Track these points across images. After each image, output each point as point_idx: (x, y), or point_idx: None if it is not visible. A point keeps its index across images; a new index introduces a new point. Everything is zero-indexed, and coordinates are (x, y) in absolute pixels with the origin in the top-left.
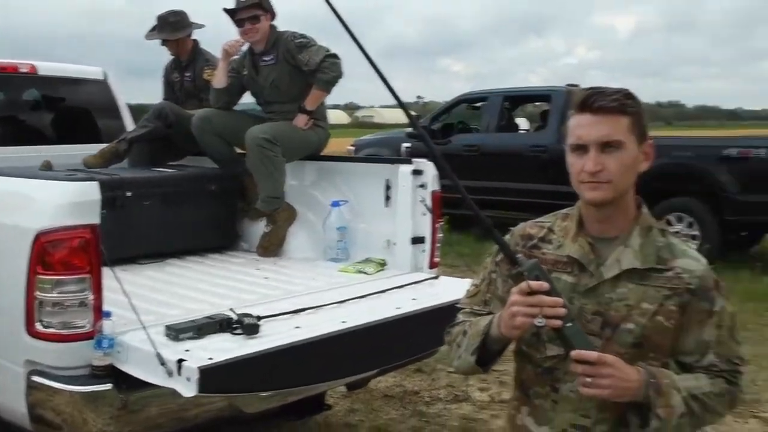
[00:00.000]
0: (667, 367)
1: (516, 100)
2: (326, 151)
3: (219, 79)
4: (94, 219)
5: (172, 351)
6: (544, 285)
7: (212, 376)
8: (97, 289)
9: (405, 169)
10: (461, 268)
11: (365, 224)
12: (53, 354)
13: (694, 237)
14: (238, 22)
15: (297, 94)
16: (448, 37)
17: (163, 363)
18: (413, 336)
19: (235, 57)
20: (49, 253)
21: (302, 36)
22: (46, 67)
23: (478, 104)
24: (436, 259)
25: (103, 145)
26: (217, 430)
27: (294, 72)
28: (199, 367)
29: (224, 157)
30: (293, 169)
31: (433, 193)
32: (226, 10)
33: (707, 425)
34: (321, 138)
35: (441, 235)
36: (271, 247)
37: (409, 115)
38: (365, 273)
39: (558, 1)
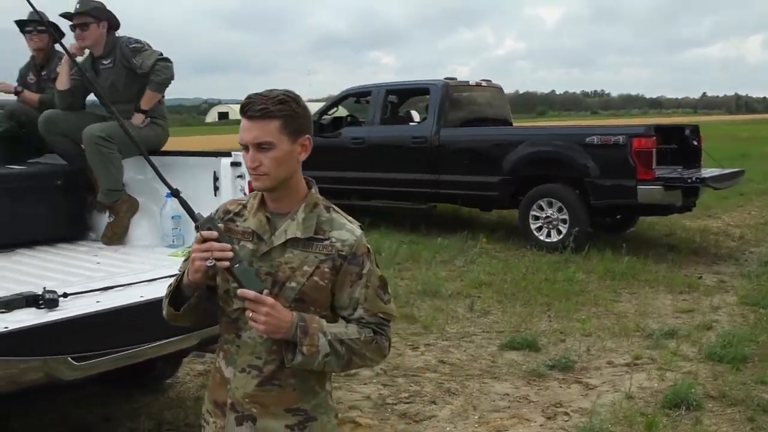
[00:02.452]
0: (325, 318)
1: (398, 93)
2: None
3: (62, 81)
4: None
5: None
6: (213, 234)
7: (4, 343)
8: None
9: (225, 161)
10: None
11: (198, 212)
12: None
13: (564, 221)
14: (72, 28)
15: (134, 95)
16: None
17: None
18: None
19: (79, 59)
20: None
21: (137, 41)
22: None
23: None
24: None
25: None
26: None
27: (130, 74)
28: None
29: (71, 155)
30: (136, 163)
31: (250, 183)
32: (62, 15)
33: (359, 366)
34: (159, 134)
35: None
36: (115, 236)
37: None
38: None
39: None
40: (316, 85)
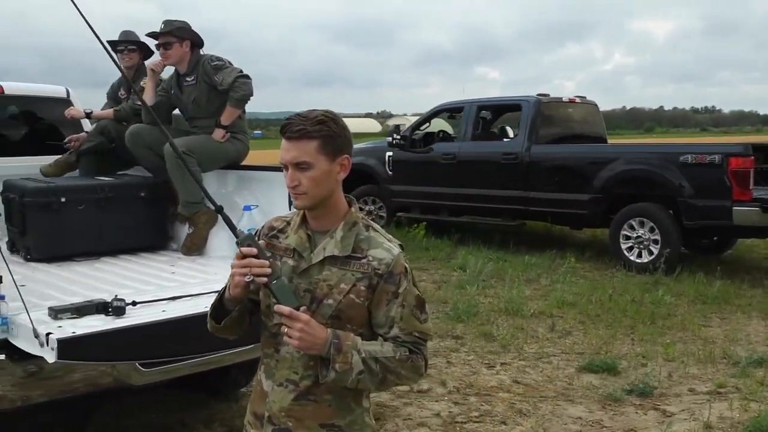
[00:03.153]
0: (362, 337)
1: (490, 109)
2: None
3: (148, 96)
4: None
5: (46, 327)
6: (252, 251)
7: (69, 346)
8: None
9: None
10: (430, 271)
11: (240, 229)
12: None
13: (656, 241)
14: (157, 47)
15: (215, 110)
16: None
17: (36, 336)
18: None
19: (164, 77)
20: None
21: (218, 59)
22: (13, 87)
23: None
24: None
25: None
26: None
27: (211, 91)
28: (58, 338)
29: (155, 167)
30: (217, 177)
31: None
32: (149, 35)
33: (395, 385)
34: (239, 149)
35: None
36: (193, 247)
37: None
38: None
39: (596, 8)
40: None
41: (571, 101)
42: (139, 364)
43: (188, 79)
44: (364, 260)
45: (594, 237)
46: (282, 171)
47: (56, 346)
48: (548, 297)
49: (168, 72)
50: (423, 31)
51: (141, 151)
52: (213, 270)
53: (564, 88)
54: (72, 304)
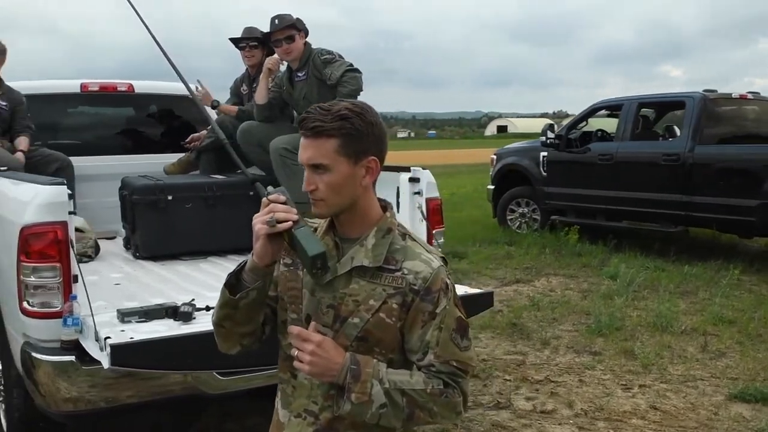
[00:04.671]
0: (391, 362)
1: (652, 107)
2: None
3: (260, 95)
4: (63, 217)
5: (109, 330)
6: (280, 197)
7: (122, 353)
8: (67, 276)
9: (404, 177)
10: (578, 279)
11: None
12: (35, 329)
13: None
14: (275, 43)
15: None
16: (667, 40)
17: (97, 339)
18: None
19: (278, 74)
20: (30, 244)
21: (328, 52)
22: (142, 86)
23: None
24: None
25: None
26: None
27: (322, 86)
28: (111, 344)
29: (266, 165)
30: None
31: (430, 200)
32: (265, 34)
33: (425, 423)
34: None
35: (441, 240)
36: None
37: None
38: None
39: None
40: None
41: (742, 98)
42: (216, 372)
43: (299, 74)
44: (398, 273)
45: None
46: (394, 171)
47: (109, 351)
48: (704, 312)
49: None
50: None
51: (251, 149)
52: None
53: (756, 86)
54: (142, 307)
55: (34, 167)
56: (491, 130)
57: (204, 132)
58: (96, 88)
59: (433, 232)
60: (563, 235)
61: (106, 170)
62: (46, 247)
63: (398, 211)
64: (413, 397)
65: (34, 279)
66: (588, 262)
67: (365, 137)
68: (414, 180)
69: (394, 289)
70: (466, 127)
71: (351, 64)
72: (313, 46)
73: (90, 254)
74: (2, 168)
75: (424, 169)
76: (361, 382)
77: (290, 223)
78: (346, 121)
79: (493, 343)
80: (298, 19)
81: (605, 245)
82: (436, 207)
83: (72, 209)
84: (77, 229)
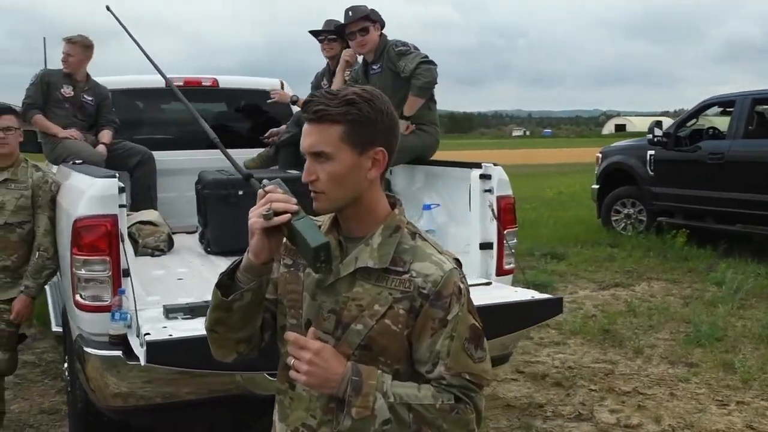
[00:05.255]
0: (398, 374)
1: (766, 103)
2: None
3: (336, 87)
4: (114, 210)
5: (151, 326)
6: (277, 189)
7: (159, 350)
8: (116, 269)
9: (475, 174)
10: (682, 284)
11: (455, 227)
12: (86, 322)
13: None
14: (350, 35)
15: (400, 100)
16: None
17: (138, 335)
18: None
19: (356, 67)
20: (81, 237)
21: (403, 44)
22: (226, 81)
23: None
24: (509, 266)
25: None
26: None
27: (396, 79)
28: (147, 341)
29: None
30: (405, 173)
31: (501, 198)
32: (338, 27)
33: None
34: (426, 142)
35: (514, 241)
36: None
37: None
38: None
39: None
40: None
41: None
42: (267, 374)
43: (374, 67)
44: (405, 276)
45: None
46: (465, 167)
47: (145, 348)
48: None
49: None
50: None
51: None
52: None
53: None
54: (187, 303)
55: (116, 160)
56: (609, 128)
57: (283, 127)
58: (181, 83)
59: (504, 232)
60: (670, 237)
61: (187, 165)
62: (97, 240)
63: (469, 210)
64: (421, 412)
65: (84, 272)
66: (694, 266)
67: (373, 125)
68: (485, 177)
69: (401, 293)
70: (583, 126)
71: (426, 56)
72: (389, 39)
73: (162, 248)
74: (78, 161)
75: (495, 165)
76: (362, 395)
77: (288, 215)
78: (353, 107)
79: (582, 349)
80: (372, 10)
81: (714, 250)
82: (508, 206)
83: (124, 202)
84: (151, 223)
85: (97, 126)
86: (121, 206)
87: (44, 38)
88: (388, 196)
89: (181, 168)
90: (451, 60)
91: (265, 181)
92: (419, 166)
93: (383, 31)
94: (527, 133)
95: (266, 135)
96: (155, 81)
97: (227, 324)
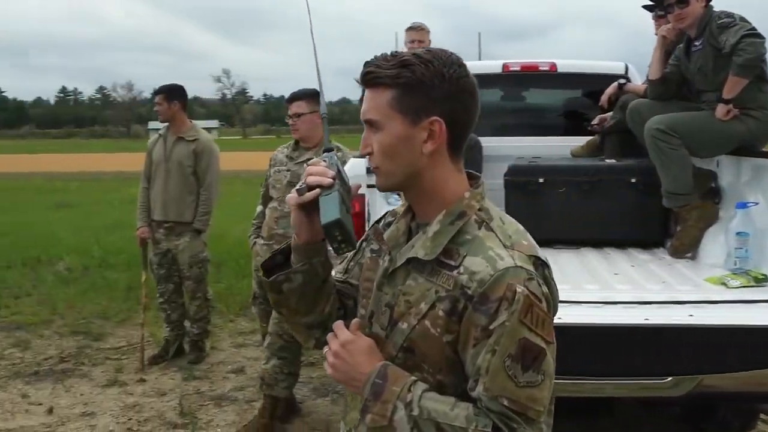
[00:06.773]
0: (441, 386)
1: None
2: None
3: (653, 69)
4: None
5: None
6: (320, 162)
7: None
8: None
9: None
10: None
11: None
12: None
13: None
14: (667, 8)
15: (722, 81)
16: None
17: None
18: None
19: (680, 45)
20: None
21: (728, 15)
22: (566, 65)
23: None
24: None
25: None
26: None
27: (717, 57)
28: None
29: None
30: (731, 164)
31: None
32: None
33: None
34: (751, 129)
35: None
36: (681, 248)
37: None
38: (725, 285)
39: None
40: None
41: None
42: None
43: (696, 43)
44: (454, 271)
45: None
46: None
47: None
48: None
49: None
50: None
51: (639, 130)
52: (677, 278)
53: None
54: None
55: None
56: None
57: (610, 113)
58: (518, 68)
59: None
60: None
61: (504, 152)
62: None
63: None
64: None
65: None
66: None
67: (429, 90)
68: None
69: (445, 292)
70: None
71: (753, 28)
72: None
73: None
74: None
75: None
76: (381, 401)
77: (317, 190)
78: (406, 69)
79: None
80: None
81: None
82: None
83: (373, 183)
84: None
85: None
86: (368, 186)
87: (479, 33)
88: (469, 174)
89: (507, 155)
90: None
91: (325, 155)
92: (746, 158)
93: (711, 2)
94: None
95: (594, 121)
96: (493, 66)
97: (287, 306)
